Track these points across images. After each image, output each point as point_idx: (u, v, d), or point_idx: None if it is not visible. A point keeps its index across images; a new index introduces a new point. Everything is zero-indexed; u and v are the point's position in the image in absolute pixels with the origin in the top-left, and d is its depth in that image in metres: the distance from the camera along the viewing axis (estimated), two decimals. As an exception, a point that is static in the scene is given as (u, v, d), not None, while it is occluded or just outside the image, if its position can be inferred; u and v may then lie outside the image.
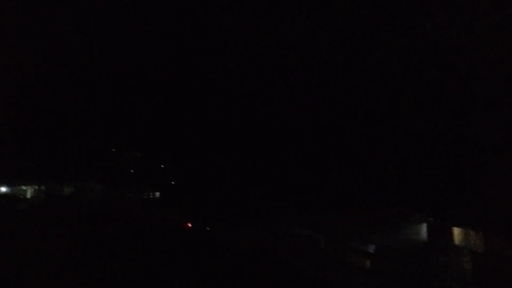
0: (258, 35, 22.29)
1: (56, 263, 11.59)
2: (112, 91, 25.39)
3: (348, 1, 19.15)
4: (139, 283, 11.10)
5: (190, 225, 16.52)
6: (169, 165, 26.55)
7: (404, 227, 14.87)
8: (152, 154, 26.90)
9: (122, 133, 27.02)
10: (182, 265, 12.24)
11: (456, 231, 14.30)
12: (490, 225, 13.56)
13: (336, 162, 20.14)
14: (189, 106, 25.62)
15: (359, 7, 18.74)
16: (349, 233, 14.82)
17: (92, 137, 25.84)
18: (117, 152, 26.71)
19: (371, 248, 14.36)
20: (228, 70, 23.72)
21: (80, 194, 24.35)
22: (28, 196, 23.82)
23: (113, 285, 10.45)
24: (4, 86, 22.23)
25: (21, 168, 24.21)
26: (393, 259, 13.10)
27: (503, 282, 11.59)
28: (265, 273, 11.82)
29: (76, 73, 23.88)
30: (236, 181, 22.50)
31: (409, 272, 12.65)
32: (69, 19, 22.14)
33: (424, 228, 15.41)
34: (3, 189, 23.63)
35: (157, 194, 25.80)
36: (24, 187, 23.92)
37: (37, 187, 24.14)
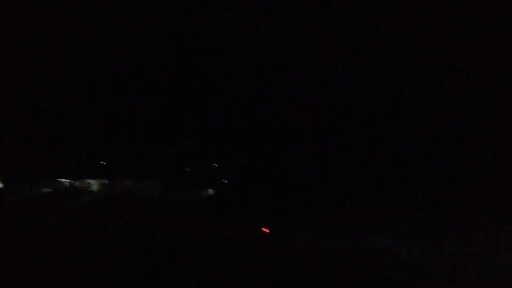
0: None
1: (118, 258, 11.59)
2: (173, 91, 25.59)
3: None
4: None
5: (267, 230, 13.55)
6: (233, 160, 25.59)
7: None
8: (213, 150, 26.28)
9: (181, 131, 27.34)
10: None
11: None
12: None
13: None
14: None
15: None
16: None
17: (152, 136, 26.54)
18: (174, 150, 27.15)
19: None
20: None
21: (138, 190, 25.09)
22: (92, 189, 25.08)
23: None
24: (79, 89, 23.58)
25: (87, 162, 25.56)
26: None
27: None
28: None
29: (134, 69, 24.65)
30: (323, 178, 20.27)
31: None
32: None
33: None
34: (72, 182, 25.14)
35: (212, 191, 25.65)
36: (89, 181, 25.25)
37: (101, 181, 25.34)
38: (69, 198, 22.18)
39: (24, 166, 23.19)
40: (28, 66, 23.62)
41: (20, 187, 22.52)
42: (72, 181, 25.65)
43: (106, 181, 26.80)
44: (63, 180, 25.56)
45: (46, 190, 24.18)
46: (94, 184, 26.73)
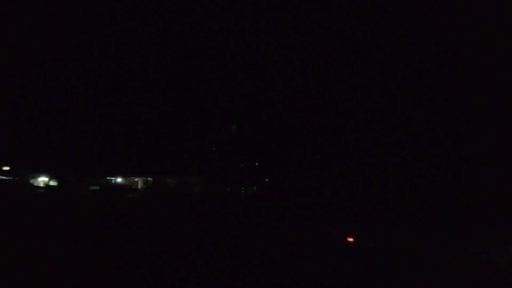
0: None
1: (164, 252, 11.64)
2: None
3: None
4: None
5: (351, 239, 11.15)
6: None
7: None
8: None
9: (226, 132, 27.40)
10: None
11: None
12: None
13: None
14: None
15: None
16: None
17: (198, 136, 26.80)
18: (218, 150, 27.23)
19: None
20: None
21: (183, 187, 25.57)
22: (139, 187, 25.88)
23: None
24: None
25: (135, 161, 26.27)
26: None
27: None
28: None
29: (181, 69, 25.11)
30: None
31: None
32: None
33: None
34: (119, 180, 26.08)
35: (254, 189, 25.61)
36: (136, 179, 26.08)
37: (146, 179, 26.11)
38: (116, 195, 22.80)
39: (74, 165, 24.00)
40: (87, 76, 24.56)
41: (71, 185, 23.36)
42: (119, 178, 26.15)
43: (150, 179, 27.12)
44: (111, 178, 26.21)
45: (94, 187, 24.89)
46: (139, 182, 27.13)
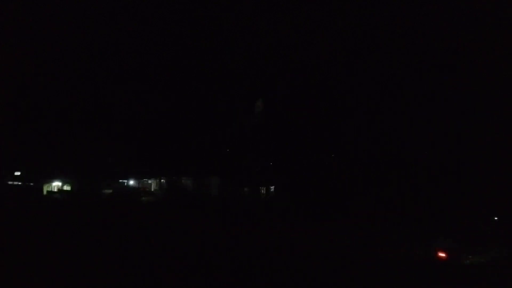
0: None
1: (180, 258, 11.13)
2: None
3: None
4: None
5: (443, 255, 11.83)
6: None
7: None
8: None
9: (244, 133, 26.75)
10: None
11: None
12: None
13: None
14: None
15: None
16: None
17: (213, 137, 26.20)
18: (235, 151, 26.46)
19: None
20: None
21: (198, 189, 24.90)
22: (152, 189, 25.36)
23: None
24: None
25: (147, 162, 25.81)
26: None
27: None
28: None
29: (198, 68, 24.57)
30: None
31: None
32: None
33: None
34: (132, 182, 25.58)
35: (272, 189, 24.79)
36: (149, 181, 25.55)
37: (159, 181, 25.51)
38: (130, 198, 22.40)
39: (88, 169, 23.81)
40: (105, 79, 24.43)
41: (85, 190, 23.08)
42: (131, 181, 25.76)
43: (164, 181, 26.57)
44: (123, 180, 25.83)
45: (108, 191, 24.70)
46: (153, 183, 26.60)
